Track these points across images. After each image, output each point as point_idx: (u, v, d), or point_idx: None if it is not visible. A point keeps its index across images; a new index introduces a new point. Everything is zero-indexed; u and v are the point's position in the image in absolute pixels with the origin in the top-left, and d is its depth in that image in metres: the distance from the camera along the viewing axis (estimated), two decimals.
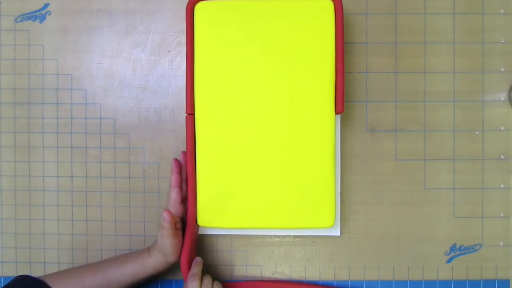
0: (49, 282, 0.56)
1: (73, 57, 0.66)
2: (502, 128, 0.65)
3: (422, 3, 0.65)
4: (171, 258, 0.57)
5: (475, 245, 0.65)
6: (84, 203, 0.66)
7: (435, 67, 0.65)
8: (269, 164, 0.57)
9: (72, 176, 0.66)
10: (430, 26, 0.65)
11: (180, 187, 0.58)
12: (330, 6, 0.57)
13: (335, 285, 0.65)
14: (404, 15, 0.65)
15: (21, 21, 0.66)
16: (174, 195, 0.57)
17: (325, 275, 0.65)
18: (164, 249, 0.56)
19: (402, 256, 0.65)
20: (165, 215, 0.54)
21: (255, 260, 0.65)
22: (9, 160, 0.66)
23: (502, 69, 0.65)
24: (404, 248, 0.65)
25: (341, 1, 0.57)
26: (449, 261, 0.65)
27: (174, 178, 0.58)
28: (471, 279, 0.65)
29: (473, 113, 0.65)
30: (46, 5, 0.66)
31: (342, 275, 0.65)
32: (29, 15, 0.66)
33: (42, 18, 0.66)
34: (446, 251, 0.65)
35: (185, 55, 0.62)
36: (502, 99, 0.65)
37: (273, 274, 0.65)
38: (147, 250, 0.59)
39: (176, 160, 0.59)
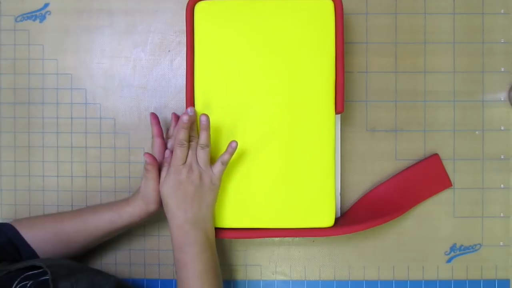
0: (19, 226, 0.56)
1: (73, 57, 0.66)
2: (502, 128, 0.65)
3: (422, 3, 0.65)
4: (153, 206, 0.56)
5: (475, 245, 0.65)
6: (84, 203, 0.66)
7: (435, 67, 0.65)
8: (269, 164, 0.57)
9: (72, 176, 0.66)
10: (430, 26, 0.65)
11: (162, 136, 0.59)
12: (330, 6, 0.57)
13: (335, 285, 0.65)
14: (404, 15, 0.65)
15: (21, 21, 0.66)
16: (158, 144, 0.58)
17: (325, 275, 0.65)
18: (148, 194, 0.55)
19: (402, 256, 0.65)
20: (146, 157, 0.54)
21: (255, 260, 0.65)
22: (9, 160, 0.66)
23: (502, 69, 0.65)
24: (404, 248, 0.65)
25: (341, 1, 0.57)
26: (449, 261, 0.65)
27: (155, 129, 0.59)
28: (471, 279, 0.65)
29: (473, 113, 0.65)
30: (46, 5, 0.66)
31: (342, 275, 0.65)
32: (29, 15, 0.66)
33: (42, 18, 0.66)
34: (446, 251, 0.65)
35: (185, 55, 0.62)
36: (502, 99, 0.65)
37: (273, 274, 0.65)
38: (127, 200, 0.58)
39: (153, 113, 0.60)
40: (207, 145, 0.54)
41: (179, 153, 0.53)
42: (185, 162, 0.54)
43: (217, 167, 0.55)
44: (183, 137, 0.53)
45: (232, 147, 0.55)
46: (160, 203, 0.56)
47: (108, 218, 0.57)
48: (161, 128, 0.60)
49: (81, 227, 0.57)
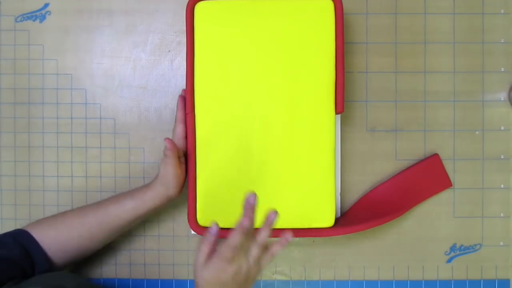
0: (38, 230, 0.55)
1: (73, 57, 0.66)
2: (502, 128, 0.65)
3: (422, 3, 0.65)
4: (173, 190, 0.56)
5: (475, 245, 0.65)
6: (84, 203, 0.66)
7: (435, 67, 0.65)
8: (269, 164, 0.57)
9: (72, 176, 0.66)
10: (430, 26, 0.65)
11: (185, 122, 0.58)
12: (330, 6, 0.57)
13: (335, 285, 0.65)
14: (404, 15, 0.65)
15: (21, 21, 0.66)
16: (180, 130, 0.57)
17: (325, 275, 0.65)
18: (166, 179, 0.55)
19: (402, 256, 0.65)
20: (166, 142, 0.54)
21: None
22: (9, 160, 0.66)
23: (502, 69, 0.65)
24: (404, 248, 0.65)
25: (341, 1, 0.57)
26: (449, 261, 0.65)
27: (180, 114, 0.58)
28: (471, 279, 0.65)
29: (473, 113, 0.65)
30: (46, 5, 0.66)
31: (342, 275, 0.65)
32: (29, 15, 0.66)
33: (42, 18, 0.66)
34: (446, 251, 0.65)
35: (185, 55, 0.62)
36: (502, 99, 0.65)
37: (273, 274, 0.65)
38: (147, 185, 0.58)
39: (181, 96, 0.59)
40: (267, 246, 0.49)
41: (229, 255, 0.46)
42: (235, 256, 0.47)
43: (266, 260, 0.50)
44: (240, 241, 0.47)
45: (287, 239, 0.50)
46: (181, 188, 0.56)
47: (131, 205, 0.56)
48: (185, 114, 0.58)
49: (104, 219, 0.56)
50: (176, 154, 0.55)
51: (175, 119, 0.58)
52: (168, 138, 0.54)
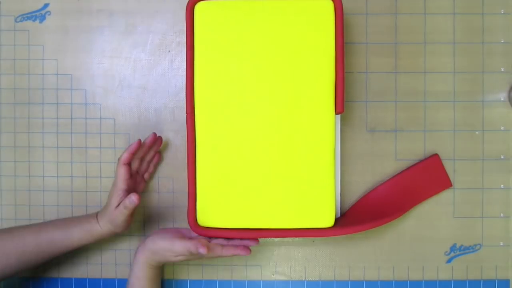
0: None
1: (73, 57, 0.66)
2: (502, 128, 0.65)
3: (422, 3, 0.65)
4: (121, 229, 0.58)
5: (475, 245, 0.65)
6: (84, 203, 0.66)
7: (435, 67, 0.65)
8: (269, 164, 0.57)
9: (72, 176, 0.66)
10: (430, 26, 0.65)
11: (129, 164, 0.58)
12: (330, 6, 0.57)
13: (335, 286, 0.65)
14: (404, 15, 0.65)
15: (21, 21, 0.66)
16: (123, 172, 0.57)
17: (325, 275, 0.65)
18: (116, 222, 0.57)
19: (402, 256, 0.65)
20: (135, 199, 0.54)
21: (255, 260, 0.65)
22: (9, 160, 0.66)
23: (502, 69, 0.65)
24: (404, 248, 0.65)
25: (341, 1, 0.57)
26: (449, 261, 0.65)
27: (125, 156, 0.57)
28: (471, 279, 0.65)
29: (473, 113, 0.65)
30: (46, 5, 0.66)
31: (342, 275, 0.65)
32: (29, 15, 0.66)
33: (42, 18, 0.66)
34: (446, 251, 0.65)
35: (185, 55, 0.62)
36: (502, 99, 0.65)
37: (273, 274, 0.65)
38: (95, 217, 0.58)
39: (139, 140, 0.58)
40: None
41: None
42: None
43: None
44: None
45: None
46: (128, 226, 0.58)
47: (77, 236, 0.57)
48: (133, 156, 0.58)
49: (46, 247, 0.56)
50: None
51: (119, 159, 0.57)
52: (137, 195, 0.54)
